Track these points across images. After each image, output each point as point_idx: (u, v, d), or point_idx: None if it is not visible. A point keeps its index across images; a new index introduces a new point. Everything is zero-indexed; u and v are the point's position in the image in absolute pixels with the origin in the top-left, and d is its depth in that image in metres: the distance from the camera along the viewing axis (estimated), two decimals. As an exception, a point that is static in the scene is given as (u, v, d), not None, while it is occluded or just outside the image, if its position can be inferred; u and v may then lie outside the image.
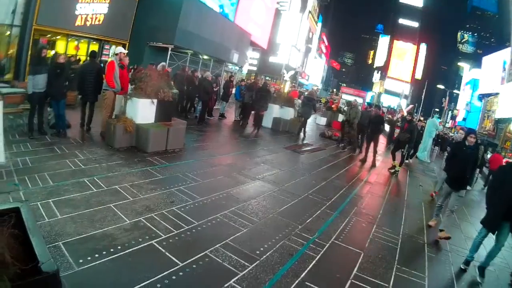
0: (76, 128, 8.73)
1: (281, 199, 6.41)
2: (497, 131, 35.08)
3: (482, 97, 45.19)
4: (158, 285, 3.25)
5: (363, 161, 11.93)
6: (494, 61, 41.64)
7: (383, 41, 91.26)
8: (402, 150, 11.28)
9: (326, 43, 77.05)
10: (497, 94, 37.71)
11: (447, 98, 51.08)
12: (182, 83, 13.20)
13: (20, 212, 2.19)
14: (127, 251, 3.69)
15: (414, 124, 11.68)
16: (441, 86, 57.04)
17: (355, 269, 4.38)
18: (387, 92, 78.04)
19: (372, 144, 12.05)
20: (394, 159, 11.39)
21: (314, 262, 4.31)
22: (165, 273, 3.44)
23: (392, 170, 11.23)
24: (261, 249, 4.32)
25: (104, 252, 3.58)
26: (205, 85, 12.69)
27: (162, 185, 5.85)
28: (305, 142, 13.95)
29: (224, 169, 7.70)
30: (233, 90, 16.24)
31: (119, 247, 3.72)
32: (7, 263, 1.62)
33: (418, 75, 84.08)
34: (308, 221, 5.60)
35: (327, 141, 15.59)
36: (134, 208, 4.73)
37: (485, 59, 46.16)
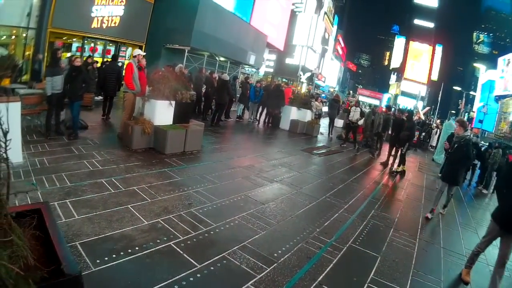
0: (94, 129, 8.84)
1: (299, 201, 6.38)
2: (512, 133, 34.42)
3: (498, 98, 44.37)
4: (176, 287, 3.24)
5: (385, 164, 11.88)
6: (509, 61, 40.86)
7: (399, 42, 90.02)
8: (402, 148, 11.05)
9: (342, 45, 76.48)
10: (512, 95, 37.08)
11: (464, 99, 50.21)
12: (200, 85, 13.23)
13: (41, 213, 2.18)
14: (144, 252, 3.69)
15: (413, 121, 11.56)
16: (457, 88, 56.11)
17: (372, 273, 4.33)
18: (404, 93, 76.86)
19: (394, 148, 11.87)
20: (403, 163, 11.24)
21: (331, 265, 4.27)
22: (182, 275, 3.43)
23: (398, 170, 11.12)
24: (279, 251, 4.29)
25: (121, 253, 3.58)
26: (228, 87, 12.73)
27: (180, 187, 5.86)
28: (322, 144, 13.87)
29: (242, 171, 7.69)
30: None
31: (136, 248, 3.72)
32: (30, 266, 1.61)
33: (435, 76, 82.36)
34: (325, 224, 5.55)
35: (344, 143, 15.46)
36: (152, 209, 4.74)
37: (501, 60, 45.33)
